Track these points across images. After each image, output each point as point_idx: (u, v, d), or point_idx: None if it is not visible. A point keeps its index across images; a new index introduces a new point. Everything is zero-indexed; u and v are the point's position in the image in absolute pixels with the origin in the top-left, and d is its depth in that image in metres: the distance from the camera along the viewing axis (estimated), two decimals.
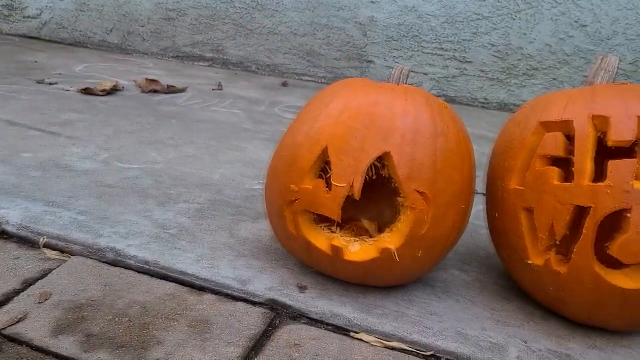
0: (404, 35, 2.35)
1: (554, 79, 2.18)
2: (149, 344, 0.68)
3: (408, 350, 0.72)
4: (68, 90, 1.92)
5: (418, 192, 0.73)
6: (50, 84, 1.99)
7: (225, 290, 0.81)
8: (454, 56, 2.30)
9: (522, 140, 0.77)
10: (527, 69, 2.23)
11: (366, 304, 0.79)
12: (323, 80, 2.51)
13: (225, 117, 1.81)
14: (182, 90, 2.12)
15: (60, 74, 2.19)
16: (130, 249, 0.87)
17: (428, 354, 0.71)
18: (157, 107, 1.84)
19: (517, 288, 0.86)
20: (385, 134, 0.73)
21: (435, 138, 0.75)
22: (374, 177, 0.77)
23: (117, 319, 0.72)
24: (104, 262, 0.85)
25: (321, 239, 0.78)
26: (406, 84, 0.86)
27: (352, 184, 0.73)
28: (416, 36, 2.33)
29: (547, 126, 0.75)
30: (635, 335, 0.77)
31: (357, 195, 0.73)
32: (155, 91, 2.06)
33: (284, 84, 2.43)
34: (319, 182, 0.75)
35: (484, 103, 2.33)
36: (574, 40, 2.14)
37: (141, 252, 0.86)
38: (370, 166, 0.76)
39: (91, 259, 0.86)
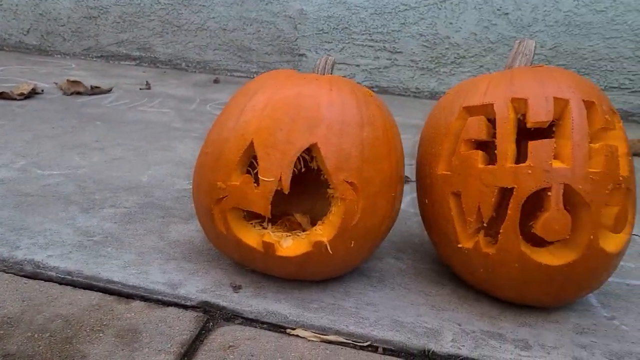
0: (334, 28, 2.35)
1: (481, 66, 2.25)
2: (72, 359, 0.64)
3: (345, 342, 0.71)
4: None
5: (347, 182, 0.72)
6: None
7: (155, 296, 0.77)
8: (384, 47, 2.32)
9: (447, 126, 0.77)
10: (455, 57, 2.28)
11: (302, 298, 0.78)
12: (255, 76, 2.48)
13: (154, 117, 1.75)
14: (108, 91, 2.04)
15: None
16: (51, 260, 0.82)
17: (365, 344, 0.71)
18: (80, 109, 1.76)
19: (450, 272, 0.88)
20: (311, 124, 0.72)
21: (362, 127, 0.74)
22: (303, 170, 0.76)
23: (36, 335, 0.67)
24: (21, 276, 0.80)
25: (252, 236, 0.76)
26: (331, 73, 0.85)
27: (280, 177, 0.71)
28: (346, 28, 2.34)
29: (470, 110, 0.76)
30: (562, 310, 0.80)
31: (285, 188, 0.72)
32: (78, 93, 1.97)
33: (216, 81, 2.38)
34: (247, 177, 0.73)
35: (415, 92, 2.36)
36: (497, 27, 2.21)
37: (62, 262, 0.81)
38: (299, 158, 0.75)
39: (7, 273, 0.80)
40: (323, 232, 0.74)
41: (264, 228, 0.79)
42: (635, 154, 1.63)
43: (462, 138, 0.74)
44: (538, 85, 0.72)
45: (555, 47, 2.17)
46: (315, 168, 0.75)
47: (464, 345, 0.70)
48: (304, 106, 0.73)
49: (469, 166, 0.73)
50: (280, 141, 0.72)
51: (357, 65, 2.36)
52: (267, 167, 0.72)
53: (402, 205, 1.13)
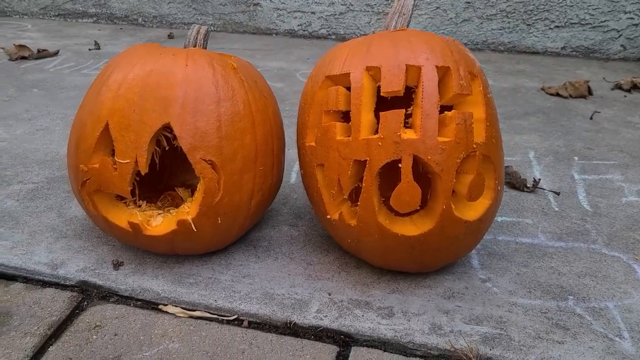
0: None
1: (437, 7, 2.17)
2: None
3: (211, 317, 0.72)
4: None
5: (205, 160, 0.72)
6: None
7: (37, 277, 0.79)
8: None
9: (312, 95, 0.76)
10: None
11: (180, 273, 0.79)
12: (212, 28, 2.42)
13: None
14: (54, 54, 2.00)
15: None
16: None
17: (231, 318, 0.72)
18: (21, 76, 1.74)
19: None
20: (165, 104, 0.71)
21: (218, 103, 0.73)
22: (167, 148, 0.76)
23: None
24: None
25: (121, 216, 0.76)
26: (205, 44, 0.83)
27: (136, 159, 0.71)
28: None
29: (333, 80, 0.74)
30: (439, 274, 0.80)
31: (143, 170, 0.71)
32: (24, 57, 1.94)
33: (170, 36, 2.33)
34: (105, 160, 0.72)
35: None
36: None
37: None
38: (164, 137, 0.74)
39: None
40: (190, 210, 0.74)
41: (139, 206, 0.79)
42: (577, 96, 1.59)
43: (323, 109, 0.73)
44: (393, 52, 0.70)
45: None
46: (179, 146, 0.74)
47: (326, 316, 0.71)
48: (157, 85, 0.72)
49: (329, 138, 0.71)
50: (134, 122, 0.71)
51: (313, 13, 2.29)
52: (122, 149, 0.71)
53: None
